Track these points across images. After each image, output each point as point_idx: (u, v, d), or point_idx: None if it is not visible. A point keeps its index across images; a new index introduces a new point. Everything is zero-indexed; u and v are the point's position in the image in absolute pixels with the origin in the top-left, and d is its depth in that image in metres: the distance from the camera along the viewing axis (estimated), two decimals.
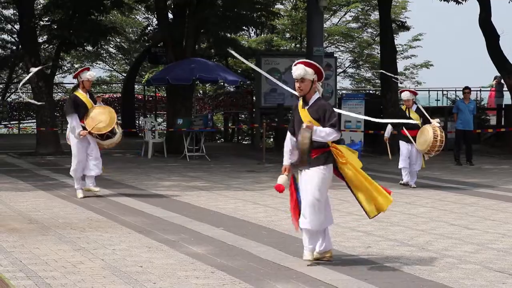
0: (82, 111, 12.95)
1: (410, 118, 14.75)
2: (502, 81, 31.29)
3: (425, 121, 14.69)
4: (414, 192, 14.33)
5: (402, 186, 14.93)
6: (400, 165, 15.07)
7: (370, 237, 9.65)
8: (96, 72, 47.28)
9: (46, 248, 8.74)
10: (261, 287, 7.16)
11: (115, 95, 36.60)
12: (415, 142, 14.70)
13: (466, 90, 20.32)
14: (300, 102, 8.11)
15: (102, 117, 12.92)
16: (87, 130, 12.88)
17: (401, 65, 41.74)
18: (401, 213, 11.76)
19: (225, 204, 12.51)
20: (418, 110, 14.93)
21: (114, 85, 44.13)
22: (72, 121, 12.92)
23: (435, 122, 14.52)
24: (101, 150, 13.23)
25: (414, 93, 15.29)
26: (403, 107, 15.08)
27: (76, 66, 42.43)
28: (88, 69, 13.38)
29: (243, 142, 32.78)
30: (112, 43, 42.39)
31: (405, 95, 14.99)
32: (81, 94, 13.06)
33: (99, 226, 10.27)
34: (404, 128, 14.86)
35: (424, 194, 13.99)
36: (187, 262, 8.13)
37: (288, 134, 8.25)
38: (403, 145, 15.02)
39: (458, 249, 8.96)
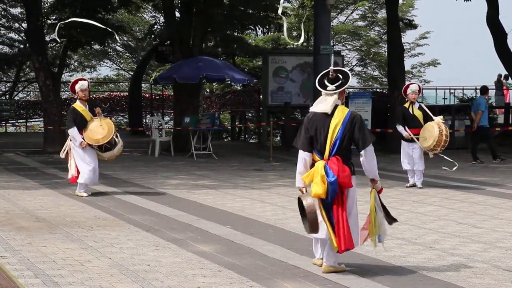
0: (81, 123, 13.17)
1: (413, 115, 14.67)
2: (503, 79, 31.27)
3: (428, 120, 14.52)
4: (422, 190, 14.29)
5: (410, 187, 14.80)
6: (404, 168, 14.94)
7: None
8: (103, 70, 47.54)
9: (53, 247, 8.75)
10: (269, 285, 7.15)
11: (122, 94, 36.66)
12: (418, 140, 14.53)
13: (486, 89, 20.69)
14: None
15: (100, 129, 13.16)
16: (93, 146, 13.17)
17: (408, 63, 41.68)
18: (408, 211, 11.74)
19: (232, 203, 12.50)
20: (420, 108, 14.80)
21: (121, 83, 44.19)
22: (73, 133, 13.16)
23: (439, 118, 14.39)
24: (101, 162, 13.49)
25: (419, 88, 15.17)
26: (406, 105, 14.90)
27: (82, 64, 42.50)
28: (78, 81, 13.41)
29: (250, 141, 32.80)
30: (119, 41, 42.44)
31: (414, 87, 14.77)
32: (79, 106, 13.29)
33: (106, 225, 10.28)
34: (406, 127, 14.75)
35: (432, 193, 13.96)
36: (194, 260, 8.13)
37: None
38: (404, 146, 14.88)
39: (466, 247, 8.94)
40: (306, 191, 7.69)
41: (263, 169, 18.22)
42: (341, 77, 7.72)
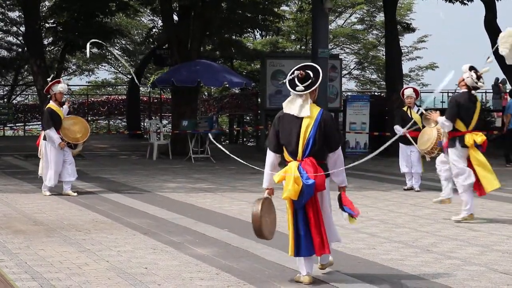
0: (57, 123, 13.62)
1: (411, 119, 14.69)
2: (499, 83, 31.32)
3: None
4: (419, 193, 14.31)
5: (407, 190, 14.81)
6: (402, 170, 14.97)
7: (374, 238, 9.64)
8: (101, 74, 47.51)
9: (51, 250, 8.75)
10: None
11: (120, 97, 36.67)
12: (416, 143, 14.53)
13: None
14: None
15: (76, 127, 13.75)
16: (64, 141, 13.60)
17: (406, 67, 41.74)
18: (406, 214, 11.76)
19: (230, 206, 12.52)
20: (419, 112, 14.82)
21: (119, 87, 44.20)
22: (52, 134, 13.58)
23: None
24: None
25: (416, 92, 15.17)
26: (405, 108, 14.96)
27: (81, 67, 42.47)
28: (59, 81, 13.99)
29: (248, 144, 32.80)
30: (117, 45, 42.48)
31: (408, 91, 14.88)
32: (55, 107, 13.73)
33: (104, 228, 10.28)
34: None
35: (429, 196, 13.95)
36: (192, 263, 8.13)
37: None
38: (402, 148, 14.90)
39: (463, 251, 8.95)
40: (273, 193, 7.65)
41: (261, 172, 18.19)
42: (311, 75, 7.40)
